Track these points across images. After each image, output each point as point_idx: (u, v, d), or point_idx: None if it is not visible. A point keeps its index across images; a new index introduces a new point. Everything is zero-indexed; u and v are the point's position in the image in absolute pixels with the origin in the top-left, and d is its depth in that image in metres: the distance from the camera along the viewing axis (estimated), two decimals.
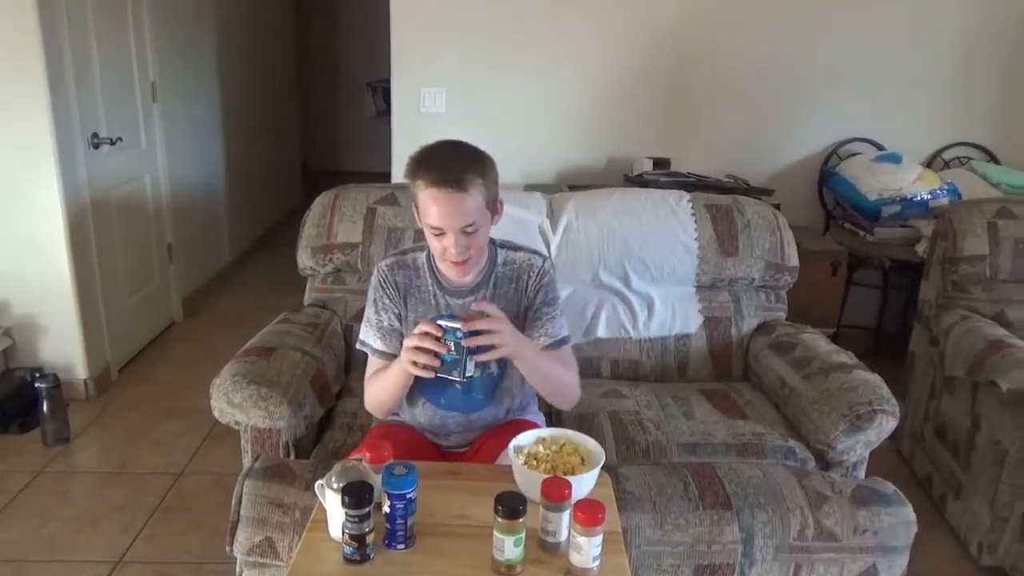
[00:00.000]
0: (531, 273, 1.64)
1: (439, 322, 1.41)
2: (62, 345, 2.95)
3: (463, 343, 1.39)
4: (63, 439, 2.70)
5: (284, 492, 1.59)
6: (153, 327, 3.61)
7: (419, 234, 2.15)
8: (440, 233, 1.49)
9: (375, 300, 1.65)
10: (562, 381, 1.62)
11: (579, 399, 1.69)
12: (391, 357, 1.61)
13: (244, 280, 4.57)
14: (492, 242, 1.64)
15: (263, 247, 5.12)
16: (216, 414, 1.78)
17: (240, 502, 1.59)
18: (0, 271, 2.85)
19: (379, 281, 1.65)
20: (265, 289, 4.29)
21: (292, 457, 1.81)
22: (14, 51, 2.62)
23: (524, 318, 1.64)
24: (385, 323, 1.64)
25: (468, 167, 1.48)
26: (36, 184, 2.75)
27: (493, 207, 1.55)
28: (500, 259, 1.65)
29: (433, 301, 1.63)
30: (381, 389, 1.60)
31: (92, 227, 2.99)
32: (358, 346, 1.69)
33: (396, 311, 1.64)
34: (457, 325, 1.39)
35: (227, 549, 1.61)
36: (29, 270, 2.85)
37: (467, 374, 1.42)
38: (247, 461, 1.77)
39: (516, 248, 1.68)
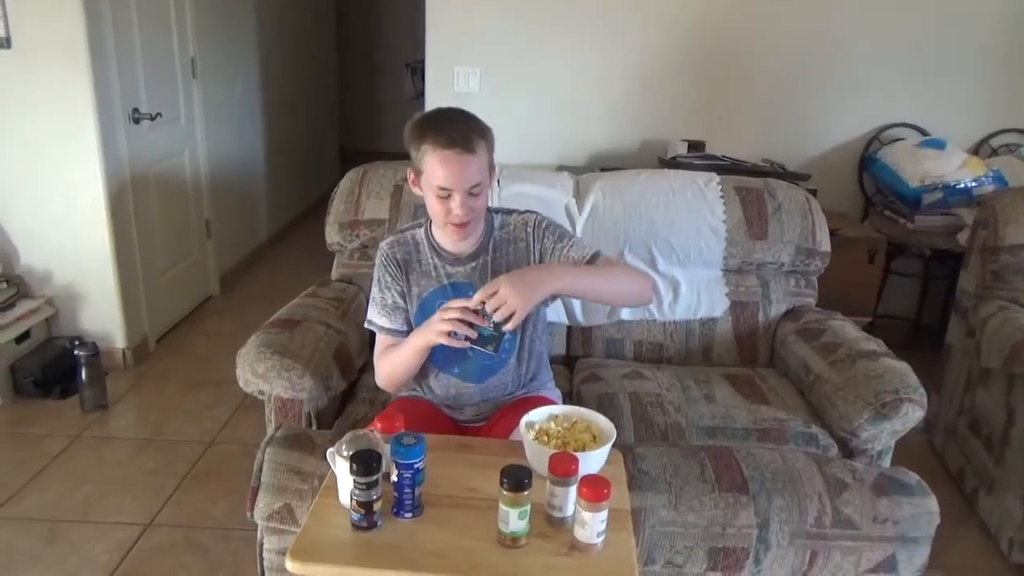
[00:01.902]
0: (529, 228, 1.67)
1: (476, 300, 1.44)
2: (102, 315, 3.04)
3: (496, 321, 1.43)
4: (101, 406, 2.78)
5: (304, 460, 1.61)
6: (190, 300, 3.69)
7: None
8: (447, 195, 1.52)
9: (379, 279, 1.69)
10: (618, 279, 1.62)
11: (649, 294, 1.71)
12: (398, 334, 1.67)
13: (280, 257, 4.65)
14: (487, 209, 1.66)
15: (300, 226, 5.18)
16: (241, 383, 1.82)
17: (261, 469, 1.62)
18: (43, 242, 2.94)
19: (381, 260, 1.68)
20: (301, 266, 4.35)
21: (314, 428, 1.84)
22: (57, 27, 2.68)
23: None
24: (389, 301, 1.67)
25: (473, 128, 1.53)
26: (77, 158, 2.83)
27: (492, 170, 1.60)
28: (497, 223, 1.68)
29: (434, 273, 1.66)
30: (394, 364, 1.64)
31: (132, 201, 3.07)
32: (366, 325, 1.73)
33: (399, 288, 1.67)
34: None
35: (247, 515, 1.64)
36: (70, 242, 2.93)
37: (502, 348, 1.47)
38: (270, 430, 1.81)
39: (508, 212, 1.72)
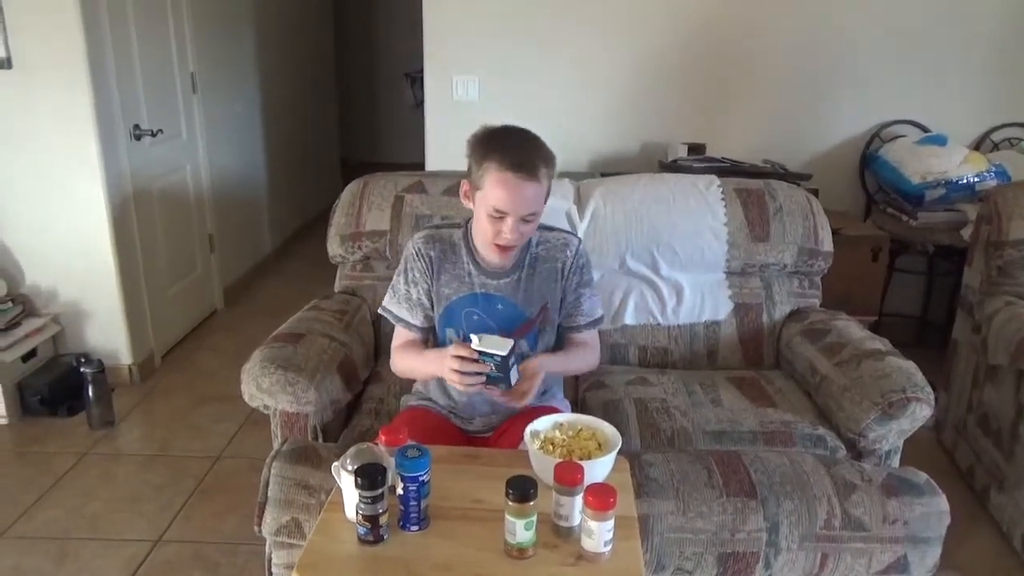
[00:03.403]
0: (568, 253, 1.68)
1: (474, 347, 1.45)
2: (107, 332, 3.04)
3: (505, 357, 1.44)
4: (108, 422, 2.79)
5: (310, 474, 1.61)
6: (195, 315, 3.70)
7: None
8: (500, 217, 1.50)
9: (406, 271, 1.68)
10: (580, 367, 1.77)
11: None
12: (416, 329, 1.69)
13: (284, 270, 4.65)
14: None
15: (304, 238, 5.19)
16: (246, 398, 1.82)
17: (267, 484, 1.62)
18: (47, 260, 2.95)
19: (413, 253, 1.67)
20: (305, 279, 4.36)
21: (320, 441, 1.84)
22: (57, 43, 2.70)
23: (561, 298, 1.69)
24: (414, 296, 1.68)
25: (540, 155, 1.51)
26: (79, 175, 2.84)
27: (547, 197, 1.58)
28: (535, 240, 1.67)
29: (468, 279, 1.65)
30: (412, 369, 1.71)
31: (135, 217, 3.08)
32: (380, 311, 1.74)
33: (427, 285, 1.67)
34: (495, 352, 1.43)
35: (255, 529, 1.64)
36: (75, 259, 2.94)
37: (512, 383, 1.48)
38: (276, 445, 1.81)
39: (549, 228, 1.70)
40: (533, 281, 1.66)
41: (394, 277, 1.73)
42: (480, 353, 1.44)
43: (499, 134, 1.55)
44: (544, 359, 1.62)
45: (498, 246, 1.55)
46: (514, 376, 1.47)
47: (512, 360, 1.45)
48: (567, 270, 1.68)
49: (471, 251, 1.65)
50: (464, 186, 1.59)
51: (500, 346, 1.45)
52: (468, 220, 1.68)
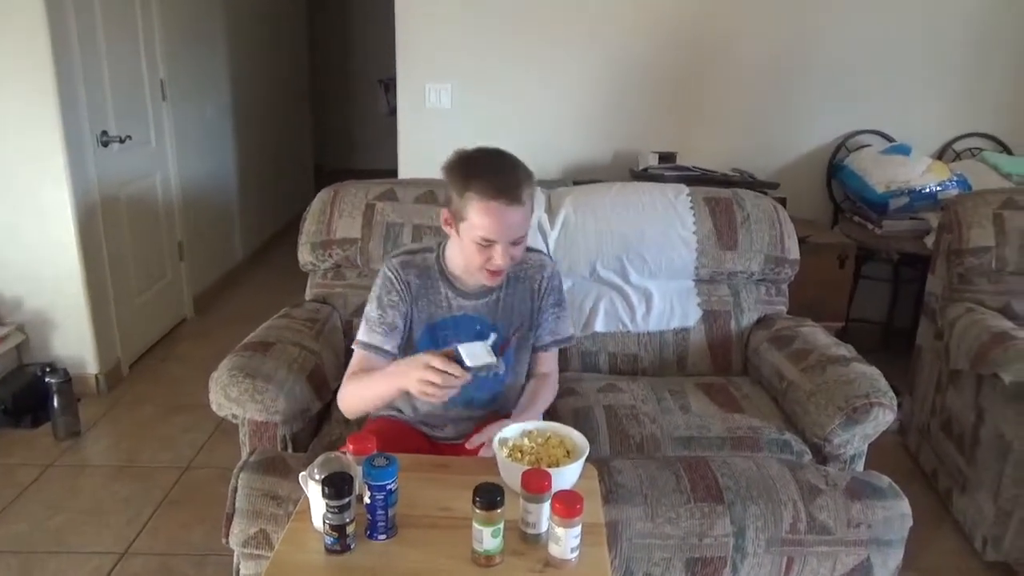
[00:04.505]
0: (543, 275, 1.69)
1: (468, 365, 1.35)
2: (73, 341, 3.00)
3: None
4: (74, 433, 2.74)
5: (278, 485, 1.60)
6: (164, 324, 3.66)
7: (417, 229, 2.20)
8: (488, 244, 1.48)
9: (379, 298, 1.62)
10: (547, 404, 1.75)
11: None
12: (385, 356, 1.60)
13: (256, 278, 4.62)
14: None
15: (276, 245, 5.16)
16: (214, 407, 1.81)
17: (235, 494, 1.61)
18: (12, 268, 2.90)
19: (390, 279, 1.62)
20: (277, 287, 4.32)
21: (290, 450, 1.83)
22: (22, 48, 2.66)
23: (532, 317, 1.70)
24: (389, 319, 1.61)
25: (521, 177, 1.49)
26: (46, 182, 2.80)
27: (532, 214, 1.56)
28: None
29: (445, 303, 1.65)
30: (365, 391, 1.55)
31: (102, 225, 3.04)
32: (354, 346, 1.63)
33: (404, 309, 1.62)
34: (485, 363, 1.36)
35: (223, 541, 1.62)
36: (41, 267, 2.90)
37: (502, 370, 1.44)
38: (244, 454, 1.79)
39: (526, 249, 1.67)
40: (509, 301, 1.67)
41: (366, 308, 1.64)
42: (468, 368, 1.35)
43: (475, 160, 1.51)
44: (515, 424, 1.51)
45: (489, 271, 1.53)
46: (501, 366, 1.40)
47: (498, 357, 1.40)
48: (543, 290, 1.69)
49: (445, 274, 1.64)
50: (444, 214, 1.55)
51: (486, 355, 1.37)
52: (440, 244, 1.67)
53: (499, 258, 1.49)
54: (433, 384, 1.34)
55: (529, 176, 1.51)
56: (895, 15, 3.28)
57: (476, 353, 1.37)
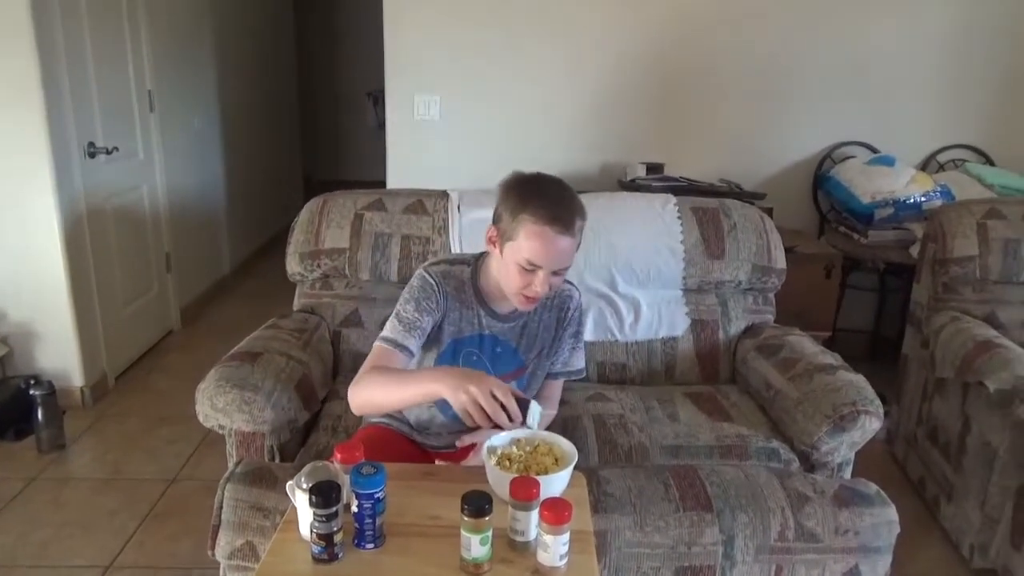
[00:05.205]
0: (570, 305, 1.72)
1: (529, 424, 1.37)
2: (59, 353, 2.97)
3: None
4: (59, 446, 2.72)
5: (265, 496, 1.59)
6: (151, 336, 3.63)
7: (406, 239, 2.19)
8: (532, 269, 1.48)
9: (417, 300, 1.58)
10: (548, 416, 1.74)
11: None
12: (409, 356, 1.56)
13: (244, 289, 4.60)
14: None
15: (264, 257, 5.14)
16: (201, 418, 1.79)
17: (221, 506, 1.60)
18: None
19: (432, 285, 1.59)
20: (264, 299, 4.30)
21: (277, 461, 1.82)
22: (8, 58, 2.66)
23: (552, 345, 1.72)
24: (423, 324, 1.57)
25: (576, 209, 1.49)
26: (32, 193, 2.78)
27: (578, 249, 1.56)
28: None
29: (476, 322, 1.64)
30: (394, 388, 1.47)
31: (88, 236, 3.02)
32: (379, 342, 1.57)
33: (437, 318, 1.60)
34: (532, 424, 1.38)
35: (209, 553, 1.61)
36: (26, 279, 2.88)
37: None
38: (230, 466, 1.78)
39: None
40: (534, 327, 1.68)
41: (399, 306, 1.59)
42: (526, 425, 1.36)
43: (535, 183, 1.52)
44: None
45: (525, 296, 1.53)
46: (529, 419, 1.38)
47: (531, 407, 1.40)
48: (566, 321, 1.72)
49: (478, 293, 1.64)
50: (490, 231, 1.54)
51: (536, 419, 1.39)
52: (476, 258, 1.66)
53: (539, 285, 1.49)
54: (481, 409, 1.32)
55: (583, 210, 1.51)
56: (879, 29, 3.32)
57: (534, 416, 1.38)
